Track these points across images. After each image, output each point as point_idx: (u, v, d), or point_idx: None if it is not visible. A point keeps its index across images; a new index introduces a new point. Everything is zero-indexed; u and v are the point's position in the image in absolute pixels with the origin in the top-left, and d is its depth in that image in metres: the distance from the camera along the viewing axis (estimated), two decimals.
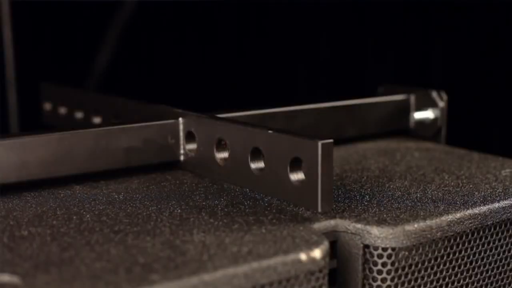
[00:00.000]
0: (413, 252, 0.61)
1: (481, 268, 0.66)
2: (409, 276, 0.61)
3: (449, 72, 0.82)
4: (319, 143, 0.61)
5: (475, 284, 0.66)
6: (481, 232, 0.65)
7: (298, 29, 1.21)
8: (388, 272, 0.60)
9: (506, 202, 0.67)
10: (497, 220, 0.66)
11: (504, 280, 0.68)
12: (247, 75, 0.74)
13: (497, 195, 0.68)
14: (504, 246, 0.67)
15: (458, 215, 0.63)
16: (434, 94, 0.90)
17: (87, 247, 0.55)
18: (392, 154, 0.85)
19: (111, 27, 1.32)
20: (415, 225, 0.61)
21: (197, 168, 0.75)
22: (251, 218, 0.62)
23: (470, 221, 0.64)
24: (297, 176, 0.63)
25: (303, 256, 0.54)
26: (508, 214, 0.67)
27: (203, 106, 0.81)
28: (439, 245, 0.63)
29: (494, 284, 0.67)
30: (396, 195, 0.68)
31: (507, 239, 0.68)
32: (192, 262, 0.52)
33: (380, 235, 0.60)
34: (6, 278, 0.50)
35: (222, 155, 0.71)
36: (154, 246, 0.55)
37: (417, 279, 0.62)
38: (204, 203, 0.66)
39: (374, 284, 0.61)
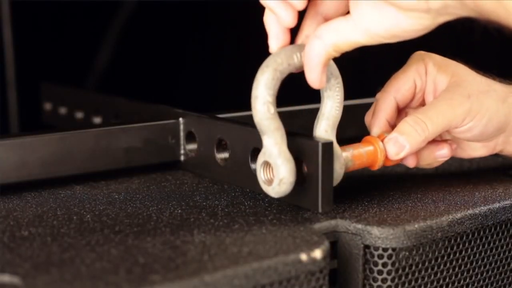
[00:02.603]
0: (414, 252, 0.61)
1: (482, 268, 0.66)
2: (410, 276, 0.61)
3: None
4: (320, 143, 0.61)
5: (476, 284, 0.66)
6: (481, 233, 0.65)
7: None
8: (389, 273, 0.60)
9: (506, 202, 0.67)
10: (498, 221, 0.66)
11: (505, 280, 0.68)
12: (248, 75, 0.74)
13: (497, 195, 0.68)
14: (504, 247, 0.67)
15: (458, 215, 0.63)
16: None
17: (87, 248, 0.55)
18: None
19: (111, 27, 1.32)
20: (416, 226, 0.61)
21: (198, 168, 0.75)
22: (251, 218, 0.62)
23: (470, 222, 0.64)
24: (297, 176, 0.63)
25: (303, 257, 0.54)
26: (509, 215, 0.66)
27: (203, 106, 0.81)
28: (440, 245, 0.63)
29: (494, 284, 0.67)
30: (397, 195, 0.68)
31: (508, 239, 0.68)
32: (193, 262, 0.52)
33: (380, 236, 0.60)
34: (6, 278, 0.49)
35: (223, 155, 0.71)
36: (155, 246, 0.55)
37: (417, 279, 0.62)
38: (204, 203, 0.66)
39: (375, 285, 0.61)
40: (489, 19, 0.54)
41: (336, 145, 0.63)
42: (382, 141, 0.65)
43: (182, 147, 0.76)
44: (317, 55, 0.59)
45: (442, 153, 0.69)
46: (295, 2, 0.58)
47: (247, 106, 0.76)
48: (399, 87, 0.69)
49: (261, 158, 0.61)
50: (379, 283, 0.61)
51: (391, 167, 0.78)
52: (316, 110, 0.76)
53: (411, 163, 0.68)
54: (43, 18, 1.25)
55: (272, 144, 0.60)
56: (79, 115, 0.97)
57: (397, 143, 0.65)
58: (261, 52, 0.72)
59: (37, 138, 0.69)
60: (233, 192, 0.69)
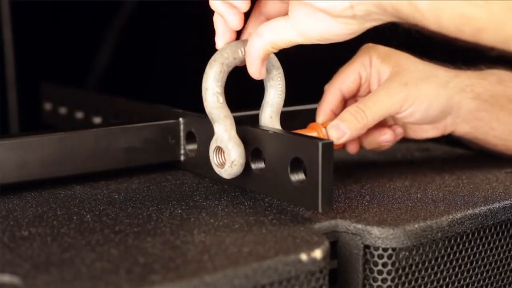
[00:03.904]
0: (414, 252, 0.61)
1: (482, 268, 0.66)
2: (410, 276, 0.61)
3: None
4: (319, 143, 0.61)
5: (476, 284, 0.66)
6: (481, 233, 0.65)
7: None
8: (389, 273, 0.60)
9: (506, 202, 0.67)
10: (498, 221, 0.66)
11: (505, 280, 0.68)
12: (248, 75, 0.74)
13: (497, 195, 0.68)
14: (504, 247, 0.67)
15: (458, 215, 0.63)
16: None
17: (87, 248, 0.55)
18: (393, 154, 0.85)
19: (111, 27, 1.32)
20: (416, 226, 0.61)
21: (198, 168, 0.75)
22: (251, 218, 0.62)
23: (470, 222, 0.64)
24: (297, 176, 0.63)
25: (303, 257, 0.54)
26: (509, 215, 0.66)
27: (203, 106, 0.81)
28: (440, 245, 0.63)
29: (494, 284, 0.67)
30: (397, 195, 0.68)
31: (508, 239, 0.68)
32: (193, 262, 0.52)
33: (380, 236, 0.60)
34: (6, 278, 0.50)
35: None
36: (155, 246, 0.55)
37: (417, 279, 0.62)
38: (204, 203, 0.66)
39: (375, 285, 0.61)
40: (409, 23, 0.59)
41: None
42: (326, 127, 0.71)
43: (182, 147, 0.76)
44: (256, 50, 0.64)
45: (385, 138, 0.75)
46: (239, 5, 0.63)
47: (247, 106, 0.77)
48: (344, 79, 0.75)
49: (213, 144, 0.67)
50: (379, 283, 0.61)
51: (391, 166, 0.78)
52: (315, 110, 0.77)
53: (353, 149, 0.74)
54: (43, 18, 1.25)
55: (223, 131, 0.66)
56: (79, 115, 0.97)
57: (339, 129, 0.70)
58: None
59: (37, 138, 0.69)
60: (233, 192, 0.69)
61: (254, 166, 0.67)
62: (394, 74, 0.73)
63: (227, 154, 0.66)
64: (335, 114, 0.73)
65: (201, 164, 0.74)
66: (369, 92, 0.75)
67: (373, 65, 0.75)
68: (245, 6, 0.64)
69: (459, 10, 0.55)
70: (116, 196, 0.68)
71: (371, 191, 0.69)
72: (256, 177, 0.67)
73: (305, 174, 0.63)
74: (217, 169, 0.67)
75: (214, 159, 0.67)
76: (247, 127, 0.68)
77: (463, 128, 0.76)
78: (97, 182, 0.72)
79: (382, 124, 0.75)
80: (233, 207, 0.65)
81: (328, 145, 0.61)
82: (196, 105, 0.78)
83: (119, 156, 0.73)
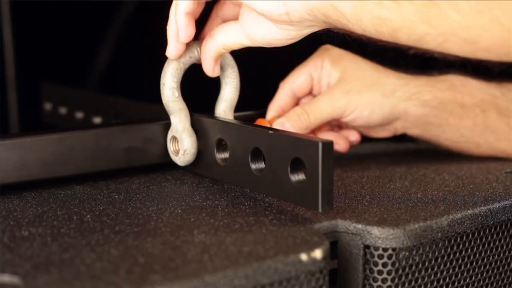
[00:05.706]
0: (414, 252, 0.61)
1: (482, 268, 0.66)
2: (410, 276, 0.61)
3: (448, 70, 0.82)
4: (320, 143, 0.61)
5: (476, 284, 0.66)
6: (481, 233, 0.65)
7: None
8: (389, 273, 0.60)
9: (506, 202, 0.67)
10: (498, 221, 0.66)
11: (505, 280, 0.68)
12: (247, 75, 0.74)
13: (497, 195, 0.68)
14: (504, 247, 0.67)
15: (458, 215, 0.63)
16: None
17: (87, 248, 0.55)
18: (392, 154, 0.85)
19: (111, 27, 1.32)
20: (416, 226, 0.61)
21: (198, 168, 0.75)
22: (251, 218, 0.62)
23: (470, 222, 0.64)
24: (297, 176, 0.63)
25: (303, 257, 0.54)
26: (509, 215, 0.66)
27: (203, 106, 0.81)
28: (440, 245, 0.63)
29: (494, 284, 0.67)
30: (397, 195, 0.68)
31: (508, 239, 0.68)
32: (193, 262, 0.52)
33: (380, 236, 0.60)
34: (6, 278, 0.50)
35: (223, 155, 0.71)
36: (155, 246, 0.55)
37: (417, 280, 0.62)
38: (204, 203, 0.66)
39: (375, 285, 0.61)
40: (338, 28, 0.64)
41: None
42: (271, 124, 0.76)
43: None
44: (209, 51, 0.70)
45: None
46: (182, 38, 0.70)
47: (247, 106, 0.77)
48: (296, 79, 0.79)
49: (170, 133, 0.73)
50: (379, 283, 0.61)
51: (391, 167, 0.78)
52: None
53: None
54: (43, 18, 1.25)
55: (178, 122, 0.72)
56: (79, 115, 0.97)
57: (283, 127, 0.75)
58: (260, 52, 0.73)
59: (37, 138, 0.69)
60: (233, 192, 0.69)
61: (254, 166, 0.67)
62: (340, 80, 0.77)
63: (181, 144, 0.72)
64: (285, 112, 0.78)
65: (201, 164, 0.74)
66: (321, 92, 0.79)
67: (324, 67, 0.78)
68: (185, 39, 0.70)
69: (376, 13, 0.60)
70: (116, 196, 0.68)
71: (371, 191, 0.69)
72: (256, 177, 0.67)
73: (305, 174, 0.63)
74: (172, 157, 0.73)
75: (170, 147, 0.73)
76: (247, 127, 0.68)
77: (413, 131, 0.80)
78: (97, 182, 0.72)
79: (338, 127, 0.80)
80: (233, 207, 0.65)
81: (328, 145, 0.61)
82: (195, 105, 0.78)
83: (119, 156, 0.73)
